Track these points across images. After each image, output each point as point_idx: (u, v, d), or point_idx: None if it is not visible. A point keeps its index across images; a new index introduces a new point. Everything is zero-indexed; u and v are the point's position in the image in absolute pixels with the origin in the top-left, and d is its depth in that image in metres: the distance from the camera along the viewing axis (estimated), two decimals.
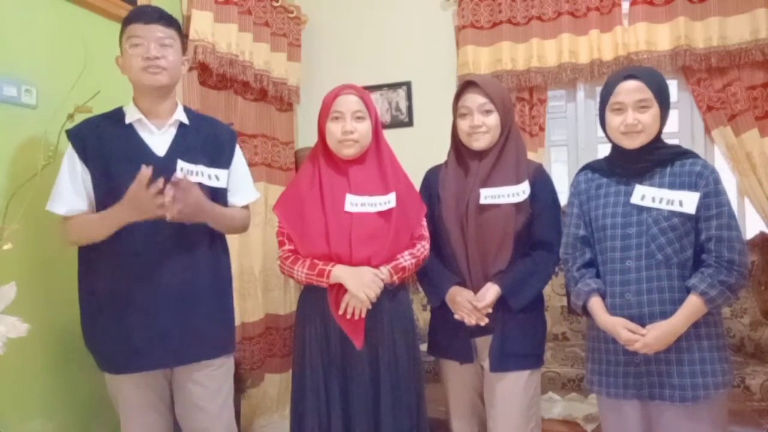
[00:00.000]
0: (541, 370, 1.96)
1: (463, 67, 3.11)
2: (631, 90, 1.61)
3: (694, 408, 1.58)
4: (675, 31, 2.85)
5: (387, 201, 1.77)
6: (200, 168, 1.69)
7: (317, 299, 1.78)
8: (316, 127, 1.88)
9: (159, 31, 1.63)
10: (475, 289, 1.82)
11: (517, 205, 1.82)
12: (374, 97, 3.19)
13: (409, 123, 3.34)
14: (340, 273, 1.72)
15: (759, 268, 2.77)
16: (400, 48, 3.33)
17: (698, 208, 1.58)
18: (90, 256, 1.65)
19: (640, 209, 1.62)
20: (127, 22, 1.65)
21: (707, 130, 2.95)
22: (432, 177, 1.99)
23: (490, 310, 1.79)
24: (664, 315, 1.57)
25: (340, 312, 1.73)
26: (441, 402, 2.03)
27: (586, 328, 1.84)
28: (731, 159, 2.88)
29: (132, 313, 1.60)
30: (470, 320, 1.78)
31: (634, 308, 1.60)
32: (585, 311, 1.71)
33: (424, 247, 1.84)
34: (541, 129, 3.07)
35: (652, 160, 1.65)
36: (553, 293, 2.91)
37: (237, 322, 2.00)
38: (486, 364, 1.86)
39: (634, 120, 1.60)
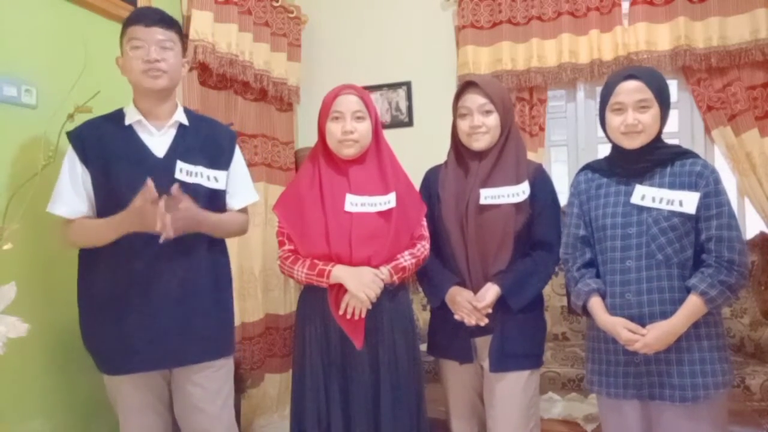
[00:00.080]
0: (541, 370, 1.96)
1: (463, 67, 3.11)
2: (631, 90, 1.61)
3: (694, 408, 1.58)
4: (675, 31, 2.85)
5: (387, 201, 1.77)
6: (199, 169, 1.69)
7: (317, 299, 1.78)
8: (316, 127, 1.88)
9: (159, 33, 1.63)
10: (475, 289, 1.82)
11: (517, 206, 1.82)
12: (374, 97, 3.19)
13: (409, 123, 3.34)
14: (340, 273, 1.72)
15: (759, 268, 2.77)
16: (400, 48, 3.33)
17: (698, 208, 1.58)
18: (89, 256, 1.65)
19: (641, 209, 1.62)
20: (127, 23, 1.65)
21: (707, 130, 2.95)
22: (432, 177, 1.99)
23: (489, 311, 1.79)
24: (664, 315, 1.57)
25: (340, 312, 1.73)
26: (441, 402, 2.03)
27: (586, 328, 1.84)
28: (731, 159, 2.88)
29: (130, 314, 1.60)
30: (470, 320, 1.78)
31: (634, 308, 1.60)
32: (585, 311, 1.71)
33: (424, 247, 1.84)
34: (541, 129, 3.07)
35: (652, 160, 1.65)
36: (553, 293, 2.91)
37: (237, 322, 2.00)
38: (486, 364, 1.86)
39: (634, 120, 1.60)
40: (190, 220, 1.56)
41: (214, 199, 1.73)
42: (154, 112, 1.69)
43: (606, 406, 1.74)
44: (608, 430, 1.77)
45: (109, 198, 1.61)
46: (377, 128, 1.86)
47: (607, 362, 1.69)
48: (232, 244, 1.89)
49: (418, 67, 3.29)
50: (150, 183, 1.48)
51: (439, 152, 2.04)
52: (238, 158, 1.83)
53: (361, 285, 1.69)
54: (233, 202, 1.80)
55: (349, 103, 1.79)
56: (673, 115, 1.96)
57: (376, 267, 1.74)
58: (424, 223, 1.88)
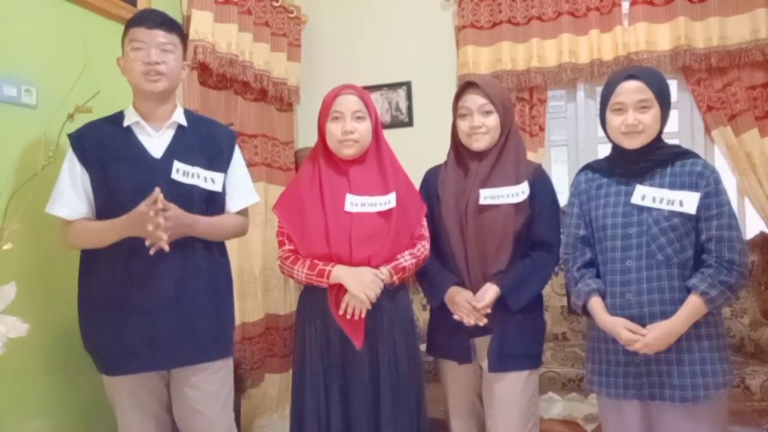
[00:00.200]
0: (541, 370, 1.96)
1: (463, 67, 3.11)
2: (631, 90, 1.61)
3: (695, 408, 1.58)
4: (675, 31, 2.85)
5: (387, 201, 1.77)
6: (196, 170, 1.68)
7: (317, 299, 1.78)
8: (316, 127, 1.88)
9: (161, 36, 1.63)
10: (474, 290, 1.81)
11: (517, 206, 1.82)
12: (374, 97, 3.19)
13: (409, 123, 3.34)
14: (340, 273, 1.72)
15: (759, 268, 2.77)
16: (400, 48, 3.33)
17: (699, 208, 1.58)
18: (90, 256, 1.66)
19: (641, 209, 1.62)
20: (130, 24, 1.66)
21: (707, 130, 2.95)
22: (432, 177, 1.99)
23: (489, 311, 1.78)
24: (665, 315, 1.57)
25: (340, 312, 1.73)
26: (441, 402, 2.03)
27: (586, 328, 1.84)
28: (731, 159, 2.88)
29: (128, 314, 1.60)
30: (469, 320, 1.78)
31: (635, 308, 1.60)
32: (585, 311, 1.71)
33: (424, 247, 1.84)
34: (541, 129, 3.07)
35: (652, 160, 1.65)
36: (553, 293, 2.91)
37: (237, 322, 2.00)
38: (485, 364, 1.86)
39: (634, 120, 1.60)
40: (179, 226, 1.56)
41: (211, 201, 1.72)
42: (153, 113, 1.69)
43: (606, 406, 1.74)
44: (608, 430, 1.77)
45: (107, 199, 1.62)
46: (377, 128, 1.86)
47: (607, 362, 1.69)
48: (232, 245, 1.89)
49: (418, 67, 3.29)
50: (158, 191, 1.49)
51: (439, 152, 2.04)
52: (238, 159, 1.82)
53: (361, 285, 1.69)
54: (232, 203, 1.79)
55: (349, 103, 1.79)
56: (673, 115, 1.96)
57: (376, 267, 1.74)
58: (424, 223, 1.88)
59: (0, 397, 1.66)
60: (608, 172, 1.73)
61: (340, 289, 1.73)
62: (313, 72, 3.38)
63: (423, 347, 2.02)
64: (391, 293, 1.79)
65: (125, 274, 1.61)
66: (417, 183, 1.99)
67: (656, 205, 1.60)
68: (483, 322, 1.78)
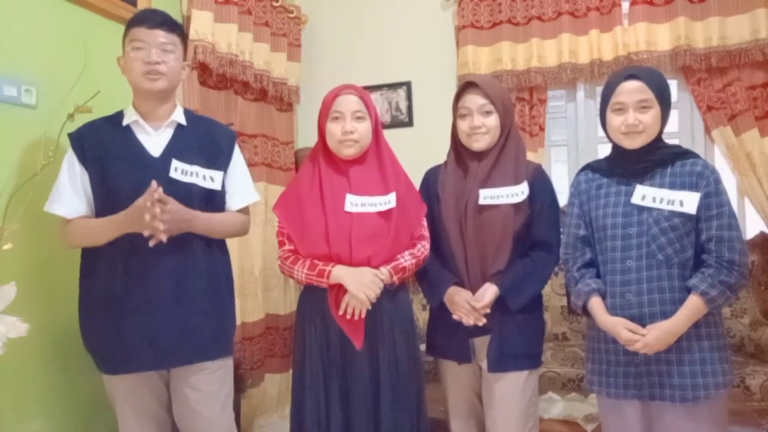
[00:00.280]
0: (541, 370, 1.96)
1: (463, 67, 3.11)
2: (632, 90, 1.61)
3: (695, 408, 1.58)
4: (675, 31, 2.85)
5: (387, 201, 1.77)
6: (195, 168, 1.68)
7: (317, 299, 1.78)
8: (316, 127, 1.88)
9: (161, 36, 1.64)
10: (474, 290, 1.81)
11: (516, 206, 1.81)
12: (374, 97, 3.19)
13: (409, 123, 3.34)
14: (340, 273, 1.72)
15: (759, 268, 2.77)
16: (400, 48, 3.33)
17: (699, 209, 1.58)
18: (91, 256, 1.66)
19: (641, 209, 1.62)
20: (130, 24, 1.66)
21: (707, 130, 2.95)
22: (431, 177, 1.99)
23: (488, 311, 1.78)
24: (665, 315, 1.57)
25: (340, 312, 1.73)
26: (441, 402, 2.03)
27: (586, 328, 1.84)
28: (731, 159, 2.88)
29: (127, 313, 1.60)
30: (468, 320, 1.78)
31: (635, 308, 1.60)
32: (585, 311, 1.71)
33: (424, 247, 1.84)
34: (541, 129, 3.07)
35: (652, 160, 1.65)
36: (553, 293, 2.91)
37: (237, 322, 2.00)
38: (484, 364, 1.86)
39: (635, 120, 1.60)
40: (177, 221, 1.56)
41: (211, 200, 1.72)
42: (153, 113, 1.69)
43: (606, 406, 1.74)
44: (608, 430, 1.77)
45: (107, 198, 1.62)
46: (377, 128, 1.86)
47: (608, 362, 1.69)
48: (232, 244, 1.89)
49: (418, 67, 3.30)
50: (155, 184, 1.49)
51: (439, 152, 2.04)
52: (238, 158, 1.82)
53: (360, 285, 1.69)
54: (232, 202, 1.79)
55: (349, 103, 1.79)
56: (673, 115, 1.96)
57: (376, 267, 1.74)
58: (424, 223, 1.88)
59: (0, 397, 1.66)
60: (608, 172, 1.73)
61: (340, 289, 1.73)
62: (313, 72, 3.38)
63: (423, 347, 2.02)
64: (391, 293, 1.79)
65: (125, 273, 1.61)
66: (417, 183, 1.99)
67: (656, 205, 1.60)
68: (482, 322, 1.78)
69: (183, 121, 1.74)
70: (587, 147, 3.15)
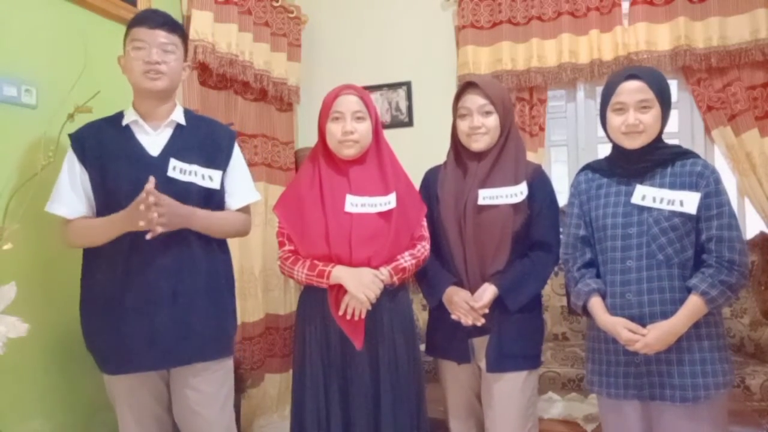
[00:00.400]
0: (541, 370, 1.96)
1: (463, 67, 3.11)
2: (632, 90, 1.61)
3: (695, 408, 1.58)
4: (675, 31, 2.85)
5: (387, 201, 1.77)
6: (194, 168, 1.68)
7: (317, 300, 1.78)
8: (316, 127, 1.88)
9: (162, 36, 1.64)
10: (473, 290, 1.81)
11: (515, 206, 1.81)
12: (374, 97, 3.19)
13: (409, 123, 3.34)
14: (339, 274, 1.72)
15: (759, 268, 2.77)
16: (400, 48, 3.33)
17: (699, 208, 1.58)
18: (92, 255, 1.66)
19: (641, 209, 1.62)
20: (131, 24, 1.67)
21: (707, 130, 2.95)
22: (431, 177, 1.99)
23: (486, 311, 1.78)
24: (665, 315, 1.57)
25: (340, 312, 1.73)
26: (440, 402, 2.03)
27: (586, 328, 1.84)
28: (731, 159, 2.88)
29: (127, 313, 1.60)
30: (467, 320, 1.78)
31: (635, 308, 1.60)
32: (585, 311, 1.71)
33: (424, 248, 1.84)
34: (541, 129, 3.07)
35: (652, 160, 1.65)
36: (553, 293, 2.91)
37: (237, 322, 2.00)
38: (483, 364, 1.86)
39: (635, 120, 1.60)
40: (173, 216, 1.56)
41: (210, 199, 1.72)
42: (153, 112, 1.69)
43: (606, 406, 1.74)
44: (608, 430, 1.77)
45: (106, 197, 1.63)
46: (377, 128, 1.86)
47: (608, 362, 1.69)
48: (232, 244, 1.88)
49: (418, 67, 3.30)
50: (152, 181, 1.49)
51: (439, 152, 2.04)
52: (237, 157, 1.82)
53: (360, 286, 1.69)
54: (232, 201, 1.79)
55: (349, 103, 1.79)
56: (673, 115, 1.96)
57: (376, 268, 1.74)
58: (424, 223, 1.88)
59: (0, 397, 1.66)
60: (608, 172, 1.73)
61: (340, 290, 1.73)
62: (313, 72, 3.38)
63: (422, 347, 2.02)
64: (391, 293, 1.79)
65: (125, 273, 1.61)
66: (417, 183, 1.99)
67: (656, 205, 1.60)
68: (480, 321, 1.78)
69: (182, 121, 1.74)
70: (587, 147, 3.15)
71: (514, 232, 1.81)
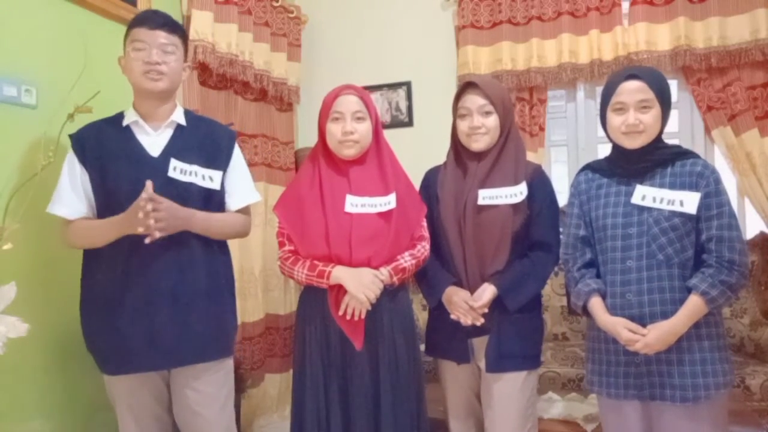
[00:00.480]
0: (541, 370, 1.96)
1: (463, 67, 3.11)
2: (633, 90, 1.61)
3: (695, 408, 1.58)
4: (675, 31, 2.85)
5: (387, 202, 1.77)
6: (194, 168, 1.68)
7: (317, 300, 1.78)
8: (316, 127, 1.88)
9: (162, 37, 1.64)
10: (472, 290, 1.81)
11: (515, 206, 1.81)
12: (374, 97, 3.19)
13: (409, 123, 3.34)
14: (339, 274, 1.72)
15: (759, 268, 2.77)
16: (400, 48, 3.33)
17: (699, 208, 1.58)
18: (91, 256, 1.66)
19: (641, 209, 1.62)
20: (132, 25, 1.67)
21: (707, 130, 2.95)
22: (431, 178, 1.99)
23: (486, 310, 1.78)
24: (665, 315, 1.57)
25: (340, 313, 1.73)
26: (440, 402, 2.03)
27: (586, 328, 1.84)
28: (731, 159, 2.88)
29: (127, 314, 1.60)
30: (466, 320, 1.78)
31: (635, 308, 1.60)
32: (585, 311, 1.71)
33: (424, 248, 1.84)
34: (541, 129, 3.07)
35: (652, 160, 1.65)
36: (553, 293, 2.91)
37: (237, 322, 2.00)
38: (483, 364, 1.86)
39: (635, 120, 1.60)
40: (172, 219, 1.56)
41: (210, 199, 1.72)
42: (153, 113, 1.70)
43: (606, 406, 1.74)
44: (608, 430, 1.77)
45: (107, 198, 1.63)
46: (377, 128, 1.86)
47: (608, 362, 1.69)
48: (232, 245, 1.88)
49: (418, 67, 3.29)
50: (149, 185, 1.49)
51: (439, 152, 2.04)
52: (238, 158, 1.82)
53: (360, 286, 1.69)
54: (231, 202, 1.79)
55: (350, 103, 1.79)
56: (673, 115, 1.96)
57: (376, 268, 1.74)
58: (424, 223, 1.88)
59: (0, 397, 1.66)
60: (608, 172, 1.73)
61: (339, 290, 1.73)
62: (313, 72, 3.38)
63: (422, 347, 2.02)
64: (391, 293, 1.79)
65: (124, 274, 1.61)
66: (417, 183, 1.99)
67: (656, 205, 1.60)
68: (480, 321, 1.78)
69: (183, 122, 1.74)
70: (587, 147, 3.15)
71: (514, 232, 1.81)
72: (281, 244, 1.84)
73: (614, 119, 1.64)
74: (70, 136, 1.67)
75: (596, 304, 1.66)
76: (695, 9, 2.84)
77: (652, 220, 1.60)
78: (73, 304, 1.68)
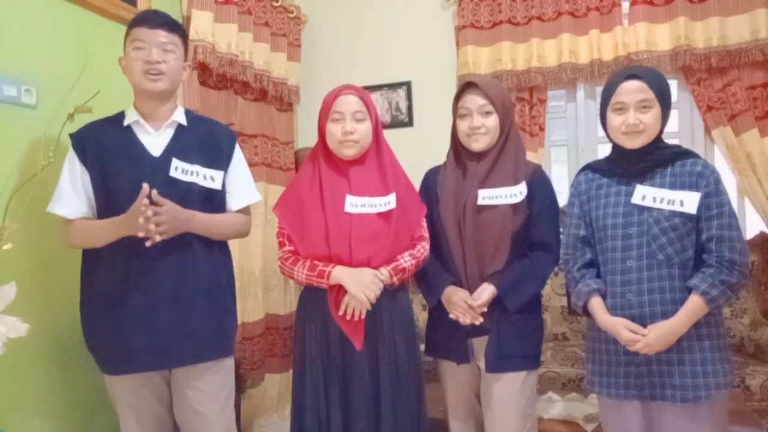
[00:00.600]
0: (541, 370, 1.95)
1: (463, 67, 3.11)
2: (633, 90, 1.61)
3: (695, 408, 1.58)
4: (675, 31, 2.85)
5: (387, 202, 1.77)
6: (195, 168, 1.68)
7: (317, 300, 1.78)
8: (316, 127, 1.88)
9: (162, 36, 1.64)
10: (472, 290, 1.81)
11: (515, 206, 1.81)
12: (374, 97, 3.19)
13: (409, 123, 3.34)
14: (339, 274, 1.72)
15: (759, 268, 2.77)
16: (400, 48, 3.33)
17: (699, 208, 1.58)
18: (92, 255, 1.66)
19: (641, 209, 1.62)
20: (132, 25, 1.67)
21: (707, 130, 2.95)
22: (431, 178, 1.99)
23: (485, 310, 1.78)
24: (665, 315, 1.57)
25: (340, 313, 1.73)
26: (440, 402, 2.03)
27: (587, 329, 1.84)
28: (731, 159, 2.88)
29: (128, 314, 1.60)
30: (465, 319, 1.78)
31: (635, 308, 1.60)
32: (585, 311, 1.71)
33: (424, 248, 1.84)
34: (541, 129, 3.07)
35: (652, 160, 1.65)
36: (553, 293, 2.90)
37: (238, 322, 2.00)
38: (482, 364, 1.86)
39: (635, 120, 1.60)
40: (173, 221, 1.56)
41: (211, 199, 1.72)
42: (154, 113, 1.70)
43: (606, 406, 1.74)
44: (608, 430, 1.77)
45: (107, 197, 1.63)
46: (377, 129, 1.86)
47: (608, 362, 1.69)
48: (232, 245, 1.88)
49: (418, 67, 3.29)
50: (146, 187, 1.49)
51: (439, 152, 2.04)
52: (238, 158, 1.82)
53: (360, 286, 1.69)
54: (232, 202, 1.79)
55: (349, 103, 1.79)
56: (673, 115, 1.96)
57: (376, 268, 1.74)
58: (424, 223, 1.88)
59: (0, 397, 1.66)
60: (608, 172, 1.73)
61: (340, 290, 1.73)
62: (313, 72, 3.38)
63: (422, 347, 2.02)
64: (391, 293, 1.79)
65: (124, 274, 1.61)
66: (417, 183, 1.99)
67: (657, 205, 1.60)
68: (479, 321, 1.78)
69: (184, 121, 1.74)
70: (587, 147, 3.15)
71: (514, 232, 1.81)
72: (281, 244, 1.84)
73: (614, 119, 1.64)
74: (71, 135, 1.67)
75: (596, 304, 1.66)
76: (695, 9, 2.84)
77: (653, 220, 1.60)
78: (73, 304, 1.68)
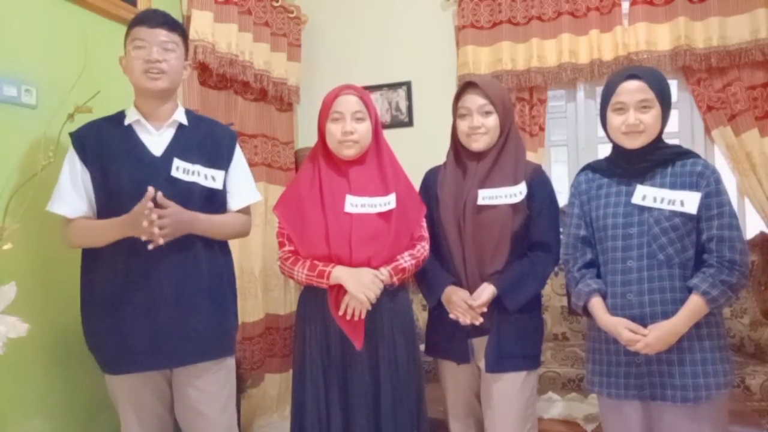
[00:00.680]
0: (541, 370, 1.95)
1: (463, 67, 3.11)
2: (633, 90, 1.61)
3: (696, 408, 1.58)
4: (675, 31, 2.85)
5: (387, 202, 1.77)
6: (197, 168, 1.68)
7: (317, 300, 1.78)
8: (316, 127, 1.88)
9: (162, 35, 1.64)
10: (472, 290, 1.81)
11: (514, 206, 1.81)
12: (374, 97, 3.19)
13: (409, 123, 3.34)
14: (339, 274, 1.72)
15: (759, 268, 2.77)
16: (400, 48, 3.33)
17: (699, 208, 1.58)
18: (91, 255, 1.66)
19: (642, 209, 1.62)
20: (132, 24, 1.67)
21: (707, 130, 2.95)
22: (431, 178, 1.99)
23: (485, 310, 1.78)
24: (666, 315, 1.57)
25: (340, 313, 1.73)
26: (440, 402, 2.03)
27: (587, 329, 1.84)
28: (731, 159, 2.88)
29: (128, 313, 1.60)
30: (465, 319, 1.78)
31: (636, 308, 1.60)
32: (586, 312, 1.71)
33: (423, 248, 1.84)
34: (541, 129, 3.07)
35: (653, 160, 1.65)
36: (553, 293, 2.90)
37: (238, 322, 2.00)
38: (482, 364, 1.86)
39: (635, 120, 1.60)
40: (177, 223, 1.56)
41: (212, 199, 1.72)
42: (155, 112, 1.70)
43: (607, 406, 1.74)
44: (608, 430, 1.77)
45: (108, 197, 1.63)
46: (377, 129, 1.86)
47: (608, 363, 1.69)
48: (232, 245, 1.89)
49: (418, 67, 3.29)
50: (151, 190, 1.49)
51: (439, 152, 2.04)
52: (239, 158, 1.82)
53: (360, 286, 1.69)
54: (233, 201, 1.79)
55: (349, 103, 1.79)
56: (673, 115, 1.96)
57: (376, 268, 1.74)
58: (424, 224, 1.88)
59: (0, 397, 1.66)
60: (608, 172, 1.73)
61: (339, 290, 1.73)
62: (313, 72, 3.38)
63: (422, 347, 2.02)
64: (391, 294, 1.79)
65: (125, 274, 1.61)
66: (417, 183, 1.99)
67: (657, 205, 1.60)
68: (479, 321, 1.78)
69: (184, 121, 1.74)
70: (587, 147, 3.15)
71: (514, 232, 1.81)
72: (281, 245, 1.84)
73: (614, 119, 1.64)
74: (71, 134, 1.67)
75: (597, 305, 1.66)
76: (695, 9, 2.84)
77: (653, 220, 1.60)
78: (73, 304, 1.68)
